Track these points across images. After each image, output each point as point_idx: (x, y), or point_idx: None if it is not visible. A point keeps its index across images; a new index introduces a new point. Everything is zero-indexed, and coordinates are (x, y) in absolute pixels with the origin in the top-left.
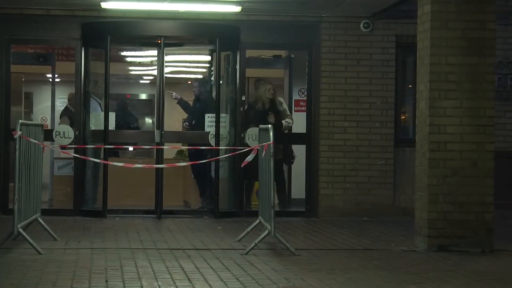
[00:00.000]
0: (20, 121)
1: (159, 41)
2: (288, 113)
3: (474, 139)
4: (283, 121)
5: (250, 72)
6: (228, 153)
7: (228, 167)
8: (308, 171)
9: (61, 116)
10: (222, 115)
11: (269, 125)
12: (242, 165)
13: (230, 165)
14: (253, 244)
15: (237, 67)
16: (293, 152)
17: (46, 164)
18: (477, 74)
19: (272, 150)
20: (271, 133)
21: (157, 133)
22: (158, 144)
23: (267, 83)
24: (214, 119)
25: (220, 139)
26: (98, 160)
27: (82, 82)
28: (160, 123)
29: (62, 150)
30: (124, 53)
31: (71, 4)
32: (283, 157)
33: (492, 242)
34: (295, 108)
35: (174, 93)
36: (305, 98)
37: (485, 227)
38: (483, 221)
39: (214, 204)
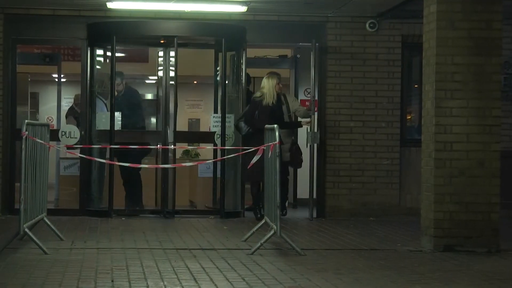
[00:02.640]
0: (26, 121)
1: (165, 41)
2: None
3: (480, 139)
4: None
5: (256, 72)
6: (233, 153)
7: (234, 167)
8: (312, 171)
9: (66, 116)
10: (228, 115)
11: (275, 125)
12: (249, 167)
13: (236, 165)
14: (259, 244)
15: (243, 67)
16: (301, 154)
17: (52, 164)
18: (483, 74)
19: (278, 150)
20: (277, 133)
21: (170, 133)
22: (169, 143)
23: (275, 76)
24: (219, 119)
25: (226, 139)
26: (103, 160)
27: (88, 82)
28: (166, 123)
29: (68, 150)
30: (130, 53)
31: (77, 4)
32: (291, 161)
33: (498, 242)
34: None
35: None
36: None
37: (491, 227)
38: (490, 221)
39: (220, 204)
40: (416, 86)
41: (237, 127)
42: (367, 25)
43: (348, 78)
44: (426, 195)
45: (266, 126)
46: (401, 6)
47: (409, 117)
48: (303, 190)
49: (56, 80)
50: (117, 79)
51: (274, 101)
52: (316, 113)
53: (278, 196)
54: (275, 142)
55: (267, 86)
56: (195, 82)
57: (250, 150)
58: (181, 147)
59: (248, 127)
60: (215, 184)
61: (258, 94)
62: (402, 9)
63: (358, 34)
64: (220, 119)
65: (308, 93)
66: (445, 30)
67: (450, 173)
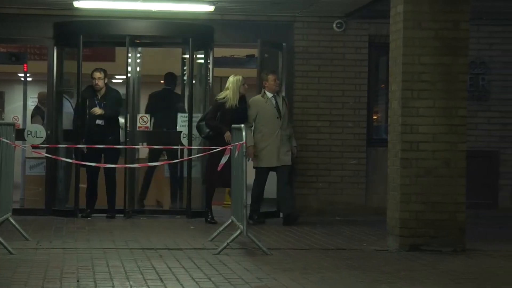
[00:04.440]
0: None
1: (132, 41)
2: None
3: (446, 139)
4: None
5: (222, 72)
6: (200, 153)
7: (201, 167)
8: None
9: (32, 116)
10: (195, 114)
11: (242, 125)
12: (219, 169)
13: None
14: (225, 244)
15: (210, 66)
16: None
17: (18, 163)
18: (450, 74)
19: (244, 150)
20: (244, 133)
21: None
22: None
23: (240, 76)
24: (187, 119)
25: (193, 138)
26: (70, 160)
27: (55, 81)
28: (132, 122)
29: (34, 150)
30: (96, 53)
31: (44, 3)
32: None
33: (464, 242)
34: None
35: None
36: None
37: (458, 226)
38: (455, 220)
39: (187, 203)
40: (383, 86)
41: (197, 128)
42: (334, 25)
43: (315, 78)
44: (392, 194)
45: (233, 126)
46: (369, 6)
47: (376, 117)
48: (270, 190)
49: (22, 79)
50: (101, 72)
51: (237, 104)
52: None
53: (245, 196)
54: (242, 142)
55: (232, 87)
56: (162, 82)
57: (216, 150)
58: (148, 146)
59: (209, 129)
60: (176, 183)
61: (222, 95)
62: (370, 9)
63: (326, 34)
64: (187, 118)
65: None
66: (412, 30)
67: (416, 172)
